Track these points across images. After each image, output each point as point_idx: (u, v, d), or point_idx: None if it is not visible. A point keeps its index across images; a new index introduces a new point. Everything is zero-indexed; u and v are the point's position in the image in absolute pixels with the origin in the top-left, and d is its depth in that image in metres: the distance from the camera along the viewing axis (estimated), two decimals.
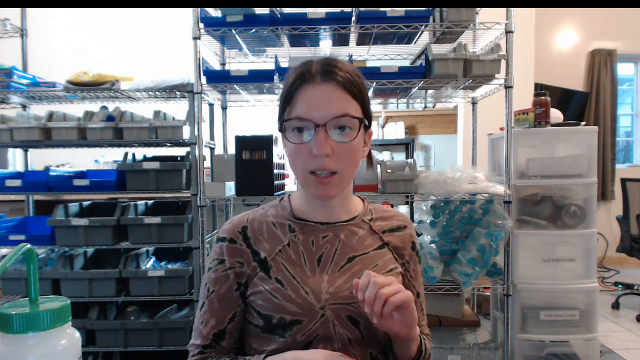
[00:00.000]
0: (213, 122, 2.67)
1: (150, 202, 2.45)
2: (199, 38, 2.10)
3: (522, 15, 3.54)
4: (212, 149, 2.61)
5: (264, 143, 2.08)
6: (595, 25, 5.15)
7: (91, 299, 2.19)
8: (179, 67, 2.59)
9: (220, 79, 2.15)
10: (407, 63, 2.63)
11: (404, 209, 3.88)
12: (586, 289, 2.18)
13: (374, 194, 2.16)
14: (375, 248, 0.94)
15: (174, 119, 2.35)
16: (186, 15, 2.12)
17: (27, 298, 0.58)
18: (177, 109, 2.47)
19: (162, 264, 2.45)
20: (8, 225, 2.32)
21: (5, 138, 2.23)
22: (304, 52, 2.50)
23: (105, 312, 2.27)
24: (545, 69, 4.83)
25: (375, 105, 3.71)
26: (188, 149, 2.24)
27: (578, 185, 2.21)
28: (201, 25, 2.09)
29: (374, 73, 2.11)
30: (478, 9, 2.19)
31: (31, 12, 2.72)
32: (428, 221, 2.31)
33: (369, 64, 2.60)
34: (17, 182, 2.22)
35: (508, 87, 2.09)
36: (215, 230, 2.60)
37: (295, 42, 2.35)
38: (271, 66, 2.14)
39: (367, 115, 0.89)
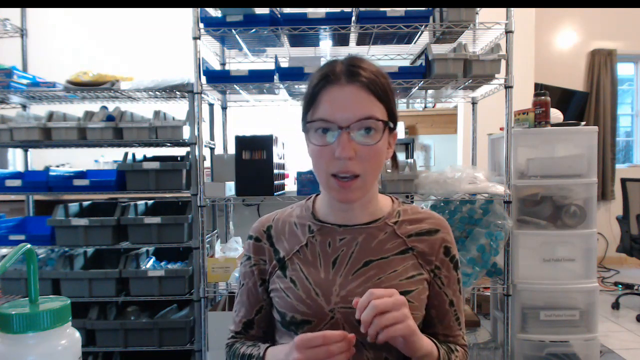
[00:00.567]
0: (213, 122, 2.67)
1: (150, 202, 2.45)
2: (199, 38, 2.10)
3: (522, 15, 3.55)
4: (212, 149, 2.61)
5: (264, 143, 2.08)
6: (595, 25, 5.15)
7: (91, 299, 2.19)
8: (179, 67, 2.58)
9: (220, 79, 2.15)
10: (407, 63, 2.62)
11: None
12: (586, 289, 2.18)
13: None
14: (397, 253, 0.90)
15: (174, 119, 2.35)
16: (186, 15, 2.12)
17: (27, 298, 0.59)
18: (177, 109, 2.47)
19: (162, 264, 2.45)
20: (8, 225, 2.32)
21: (5, 138, 2.23)
22: (304, 52, 2.50)
23: (105, 312, 2.27)
24: (545, 69, 4.82)
25: None
26: (188, 149, 2.24)
27: (578, 185, 2.21)
28: (201, 25, 2.09)
29: None
30: (478, 9, 2.19)
31: (31, 12, 2.72)
32: None
33: None
34: (17, 182, 2.22)
35: (508, 87, 2.09)
36: (216, 230, 2.60)
37: (295, 42, 2.35)
38: (271, 66, 2.14)
39: (392, 116, 0.87)
